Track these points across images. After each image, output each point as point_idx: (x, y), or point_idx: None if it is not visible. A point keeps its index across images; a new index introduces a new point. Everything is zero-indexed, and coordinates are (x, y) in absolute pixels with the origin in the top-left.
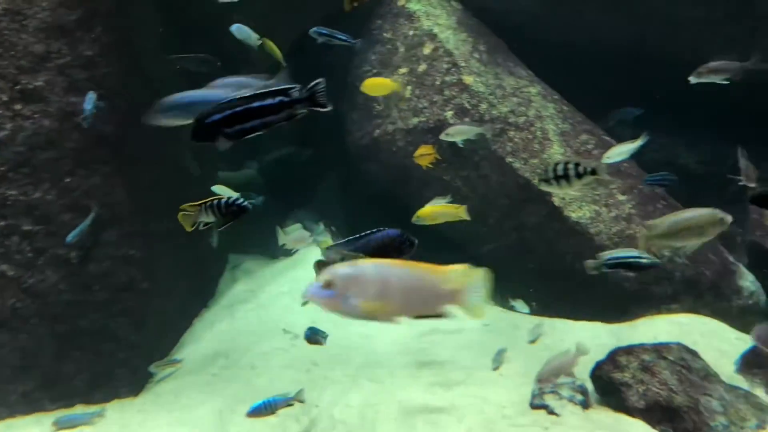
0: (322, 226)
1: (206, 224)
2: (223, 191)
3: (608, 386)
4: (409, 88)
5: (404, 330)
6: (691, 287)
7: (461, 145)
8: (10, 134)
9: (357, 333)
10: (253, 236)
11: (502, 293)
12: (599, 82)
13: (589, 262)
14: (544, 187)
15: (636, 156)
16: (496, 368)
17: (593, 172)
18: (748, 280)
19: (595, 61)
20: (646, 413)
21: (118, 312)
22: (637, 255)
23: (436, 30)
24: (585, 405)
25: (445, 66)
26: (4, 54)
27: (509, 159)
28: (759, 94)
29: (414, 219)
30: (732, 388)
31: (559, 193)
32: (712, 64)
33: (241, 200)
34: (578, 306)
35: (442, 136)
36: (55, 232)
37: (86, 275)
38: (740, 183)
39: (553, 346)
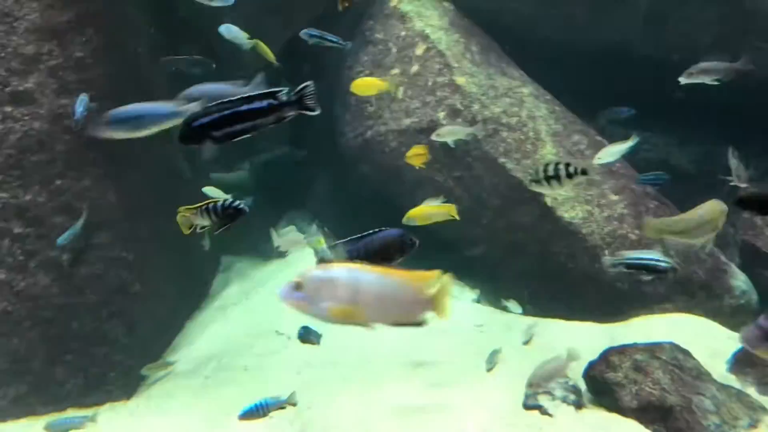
0: (315, 228)
1: (203, 227)
2: (214, 193)
3: (601, 386)
4: (401, 88)
5: (397, 331)
6: (684, 287)
7: (452, 146)
8: (0, 136)
9: (351, 333)
10: (246, 238)
11: (496, 294)
12: (591, 83)
13: (607, 260)
14: (535, 188)
15: (628, 156)
16: (490, 369)
17: (584, 172)
18: (740, 280)
19: (587, 61)
20: (639, 413)
21: (110, 315)
22: (657, 258)
23: (428, 31)
24: (578, 405)
25: (438, 67)
26: None
27: (502, 159)
28: (750, 94)
29: (405, 220)
30: (724, 388)
31: (550, 194)
32: (703, 64)
33: (239, 202)
34: (571, 306)
35: (434, 137)
36: (45, 234)
37: (78, 278)
38: (731, 183)
39: (547, 347)
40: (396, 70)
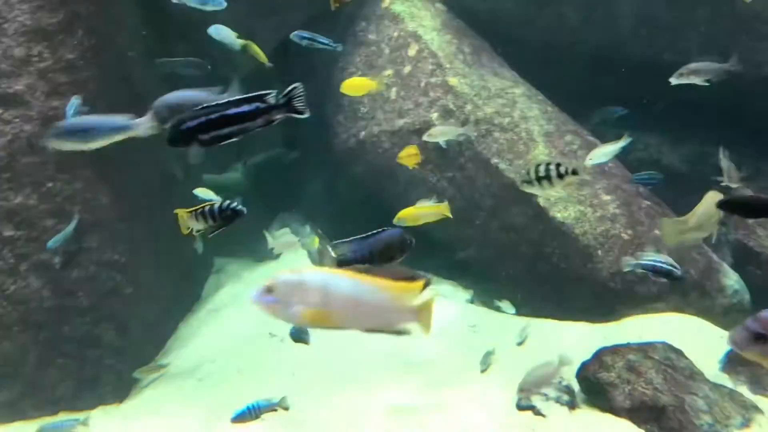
0: (308, 229)
1: (198, 230)
2: (206, 194)
3: (594, 386)
4: (394, 89)
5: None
6: (677, 286)
7: (444, 146)
8: None
9: (345, 335)
10: (239, 239)
11: (489, 294)
12: (583, 83)
13: (626, 260)
14: (527, 189)
15: (621, 156)
16: (483, 370)
17: (574, 172)
18: (732, 279)
19: (579, 61)
20: (632, 413)
21: (102, 317)
22: (672, 264)
23: (420, 31)
24: (571, 405)
25: (430, 67)
26: None
27: (494, 160)
28: (743, 94)
29: (395, 220)
30: (717, 387)
31: (541, 194)
32: (693, 65)
33: (236, 204)
34: (564, 306)
35: (425, 137)
36: (37, 237)
37: (69, 281)
38: (722, 184)
39: (540, 348)
40: (389, 71)
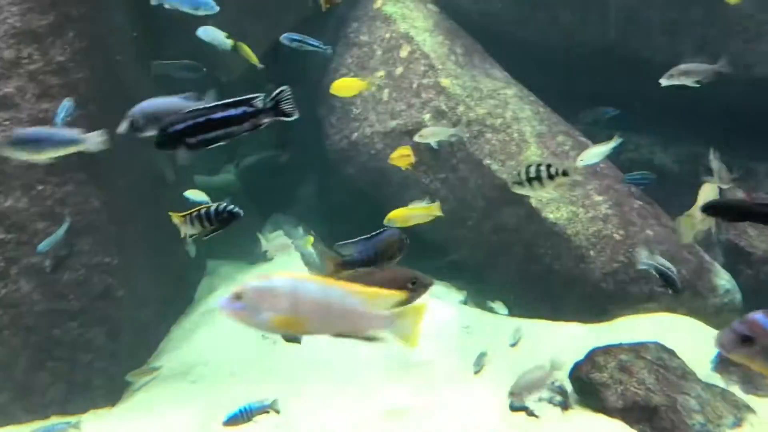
0: (301, 230)
1: (191, 235)
2: (196, 196)
3: (587, 387)
4: (386, 90)
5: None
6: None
7: (435, 147)
8: None
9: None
10: (232, 241)
11: (482, 295)
12: (575, 84)
13: (643, 255)
14: (517, 190)
15: (612, 156)
16: (477, 371)
17: (565, 173)
18: (724, 279)
19: (571, 62)
20: (624, 413)
21: (93, 321)
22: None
23: (412, 33)
24: (564, 406)
25: (422, 68)
26: None
27: (487, 161)
28: (734, 94)
29: (386, 221)
30: (709, 387)
31: (532, 195)
32: (683, 66)
33: (232, 206)
34: (557, 307)
35: (416, 138)
36: (27, 241)
37: (61, 284)
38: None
39: (533, 349)
40: (381, 72)
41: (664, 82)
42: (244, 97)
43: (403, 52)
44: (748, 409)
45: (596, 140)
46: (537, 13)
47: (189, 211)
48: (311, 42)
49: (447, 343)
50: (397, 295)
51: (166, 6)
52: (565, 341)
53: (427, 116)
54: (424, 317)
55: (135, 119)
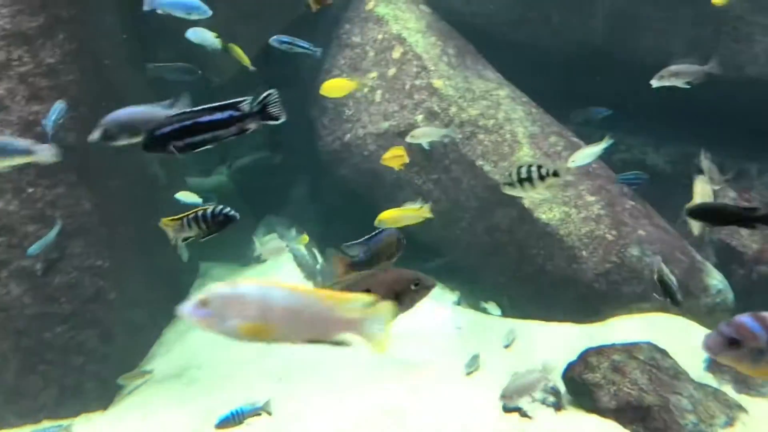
0: (294, 232)
1: (186, 238)
2: (188, 198)
3: (580, 387)
4: (379, 92)
5: None
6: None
7: (427, 147)
8: None
9: None
10: (224, 243)
11: (476, 296)
12: (568, 84)
13: (657, 260)
14: (509, 191)
15: (604, 156)
16: (470, 372)
17: (555, 173)
18: (716, 279)
19: (563, 63)
20: (617, 413)
21: (85, 324)
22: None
23: (405, 34)
24: (557, 407)
25: (415, 70)
26: None
27: (479, 162)
28: (725, 95)
29: (376, 223)
30: (701, 386)
31: (523, 196)
32: (673, 67)
33: (228, 209)
34: (550, 307)
35: (408, 139)
36: (18, 244)
37: (52, 287)
38: None
39: (527, 350)
40: (373, 74)
41: (654, 83)
42: (230, 101)
43: (396, 54)
44: (740, 408)
45: (589, 140)
46: (529, 14)
47: (181, 215)
48: (301, 44)
49: (440, 344)
50: (366, 298)
51: (159, 12)
52: (558, 342)
53: (419, 117)
54: (394, 319)
55: (108, 128)
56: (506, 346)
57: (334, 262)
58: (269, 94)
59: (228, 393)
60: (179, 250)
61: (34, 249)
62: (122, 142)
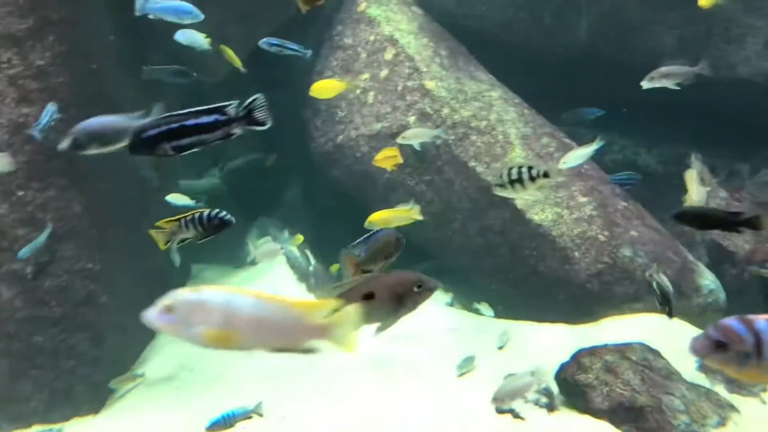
0: (287, 234)
1: (182, 240)
2: (179, 200)
3: (573, 388)
4: (371, 93)
5: (371, 336)
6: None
7: (418, 148)
8: None
9: None
10: (216, 245)
11: (469, 297)
12: (560, 85)
13: (655, 267)
14: (499, 192)
15: (596, 157)
16: (463, 374)
17: (545, 174)
18: (708, 279)
19: (554, 64)
20: (610, 414)
21: (76, 327)
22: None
23: (397, 35)
24: (550, 407)
25: (407, 71)
26: None
27: (472, 163)
28: (717, 95)
29: (366, 224)
30: (693, 387)
31: (514, 197)
32: (664, 69)
33: (224, 213)
34: (543, 308)
35: (399, 140)
36: (8, 247)
37: (42, 291)
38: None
39: (520, 351)
40: (365, 75)
41: (645, 84)
42: (217, 105)
43: (388, 55)
44: (732, 408)
45: (581, 141)
46: (521, 16)
47: (179, 216)
48: (290, 46)
49: (433, 345)
50: (332, 304)
51: (151, 17)
52: (551, 342)
53: (412, 119)
54: (360, 322)
55: (77, 137)
56: (500, 348)
57: (345, 262)
58: (255, 99)
59: (220, 396)
60: (171, 254)
61: (24, 252)
62: (92, 151)
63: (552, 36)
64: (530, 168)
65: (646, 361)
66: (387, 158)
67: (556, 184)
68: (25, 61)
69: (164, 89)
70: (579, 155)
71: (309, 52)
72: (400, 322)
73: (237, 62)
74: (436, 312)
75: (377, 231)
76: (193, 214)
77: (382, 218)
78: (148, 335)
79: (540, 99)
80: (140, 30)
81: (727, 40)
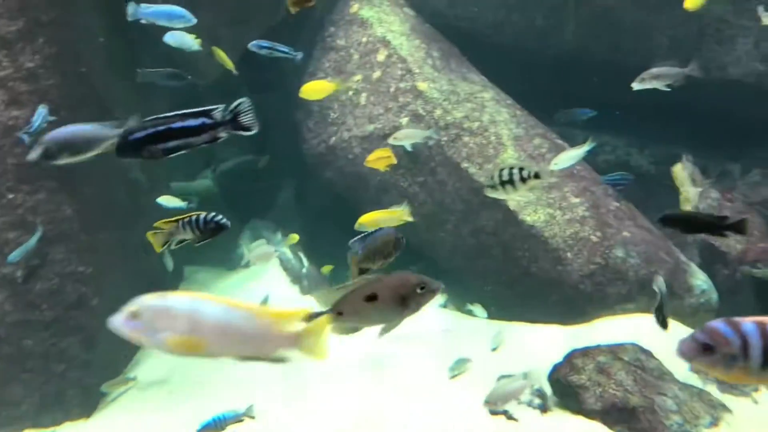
0: (280, 236)
1: (180, 242)
2: (170, 202)
3: (566, 389)
4: (363, 95)
5: (364, 337)
6: (646, 287)
7: (409, 149)
8: None
9: None
10: (209, 247)
11: (462, 298)
12: (551, 86)
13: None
14: (491, 194)
15: (589, 158)
16: (456, 375)
17: (536, 175)
18: (700, 279)
19: (546, 65)
20: (603, 415)
21: (67, 330)
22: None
23: (389, 37)
24: (543, 409)
25: (399, 72)
26: None
27: (464, 164)
28: (709, 96)
29: (357, 226)
30: (686, 387)
31: (506, 199)
32: (654, 70)
33: (220, 217)
34: (536, 309)
35: (391, 140)
36: None
37: (33, 294)
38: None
39: (513, 352)
40: (358, 76)
41: (635, 86)
42: (204, 108)
43: (380, 56)
44: (725, 408)
45: (574, 142)
46: (513, 17)
47: (176, 218)
48: (280, 48)
49: (427, 347)
50: (300, 313)
51: (143, 22)
52: (544, 343)
53: (404, 120)
54: (328, 331)
55: (48, 146)
56: (494, 349)
57: (351, 262)
58: (240, 103)
59: (212, 399)
60: (164, 258)
61: (14, 256)
62: (63, 161)
63: (544, 37)
64: (521, 169)
65: (639, 361)
66: (380, 159)
67: (548, 185)
68: (15, 63)
69: (155, 91)
70: (570, 156)
71: (299, 55)
72: (403, 323)
73: (229, 64)
74: (430, 313)
75: (377, 230)
76: (190, 216)
77: (371, 220)
78: None
79: (532, 100)
80: (131, 32)
81: (719, 41)
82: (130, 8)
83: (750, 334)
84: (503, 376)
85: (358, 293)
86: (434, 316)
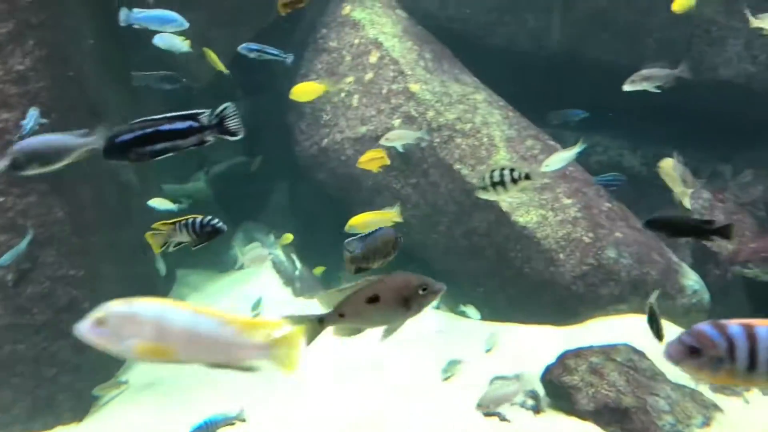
0: (272, 238)
1: (177, 245)
2: (161, 204)
3: (558, 390)
4: (356, 96)
5: (357, 339)
6: (638, 287)
7: (401, 150)
8: None
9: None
10: (201, 249)
11: (455, 299)
12: (544, 88)
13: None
14: (482, 195)
15: (581, 159)
16: (446, 378)
17: (527, 176)
18: (692, 279)
19: (539, 66)
20: (596, 415)
21: (58, 334)
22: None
23: (381, 38)
24: (536, 410)
25: (392, 74)
26: None
27: (457, 166)
28: (700, 97)
29: (347, 228)
30: (678, 387)
31: (497, 200)
32: (645, 71)
33: (216, 220)
34: (529, 310)
35: (382, 141)
36: None
37: (24, 298)
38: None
39: (506, 353)
40: (350, 78)
41: (626, 87)
42: (191, 111)
43: (373, 58)
44: (717, 408)
45: (566, 143)
46: (505, 18)
47: (174, 220)
48: (270, 51)
49: (420, 348)
50: (272, 324)
51: (136, 27)
52: (537, 344)
53: (397, 122)
54: (301, 343)
55: (16, 157)
56: (488, 351)
57: (346, 261)
58: (225, 108)
59: (205, 403)
60: (156, 262)
61: (5, 259)
62: (31, 172)
63: (536, 39)
64: (512, 170)
65: (631, 362)
66: (372, 160)
67: (541, 186)
68: (5, 66)
69: (146, 93)
70: (561, 158)
71: (290, 57)
72: (406, 324)
73: (220, 66)
74: (424, 315)
75: (376, 230)
76: (187, 219)
77: (362, 222)
78: None
79: (524, 101)
80: (121, 34)
81: (709, 42)
82: (123, 14)
83: (736, 337)
84: (497, 378)
85: (360, 295)
86: (428, 318)
